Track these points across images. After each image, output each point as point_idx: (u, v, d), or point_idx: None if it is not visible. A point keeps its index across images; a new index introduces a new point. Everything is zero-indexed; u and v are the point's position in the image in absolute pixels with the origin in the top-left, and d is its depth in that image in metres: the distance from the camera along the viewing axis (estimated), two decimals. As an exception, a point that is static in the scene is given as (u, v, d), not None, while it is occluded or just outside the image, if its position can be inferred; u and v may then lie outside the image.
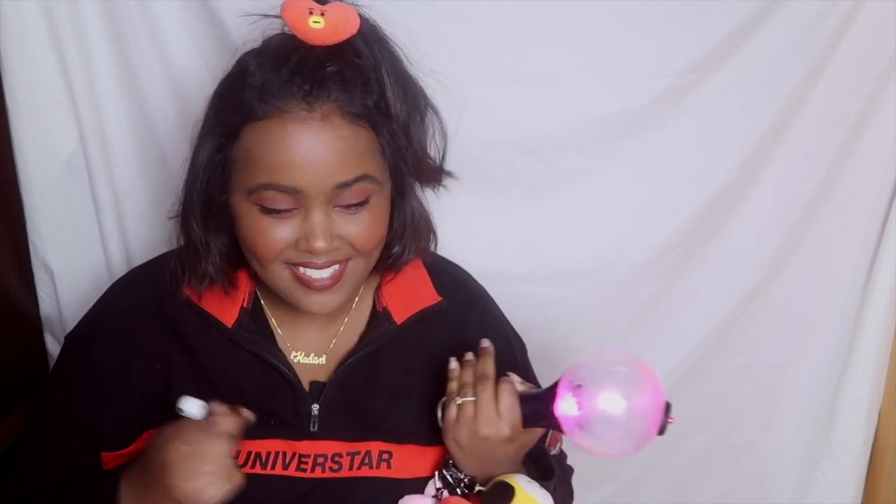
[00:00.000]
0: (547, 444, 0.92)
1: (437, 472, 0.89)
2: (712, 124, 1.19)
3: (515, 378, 0.87)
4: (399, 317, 0.92)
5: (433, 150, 0.87)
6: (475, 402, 0.84)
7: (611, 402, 0.79)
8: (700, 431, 1.38)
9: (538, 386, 0.90)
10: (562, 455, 1.04)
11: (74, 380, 0.90)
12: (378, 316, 0.92)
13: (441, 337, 0.95)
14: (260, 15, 0.82)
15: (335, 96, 0.77)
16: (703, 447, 1.39)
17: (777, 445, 1.40)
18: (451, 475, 0.88)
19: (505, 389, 0.84)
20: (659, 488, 1.41)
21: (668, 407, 0.80)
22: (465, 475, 0.88)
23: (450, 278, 1.00)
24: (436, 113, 0.86)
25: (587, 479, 1.06)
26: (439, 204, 1.03)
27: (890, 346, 1.32)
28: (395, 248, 0.90)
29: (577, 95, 1.15)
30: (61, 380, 0.93)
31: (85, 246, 1.24)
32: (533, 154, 1.18)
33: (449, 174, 0.91)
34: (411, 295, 0.94)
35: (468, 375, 0.86)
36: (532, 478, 0.87)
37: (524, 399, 0.85)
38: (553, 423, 0.83)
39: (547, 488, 0.87)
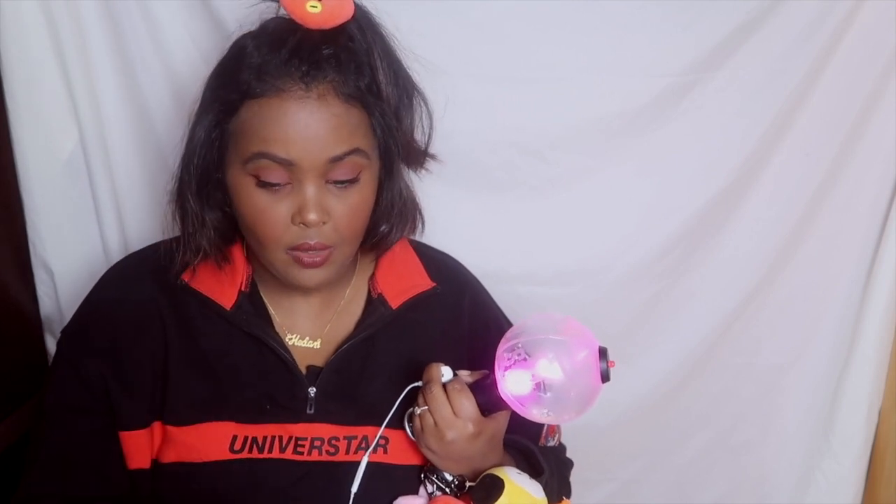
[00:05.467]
0: (545, 435, 0.92)
1: (424, 478, 0.89)
2: (712, 124, 1.19)
3: (463, 372, 0.87)
4: (394, 302, 0.94)
5: (420, 134, 0.90)
6: (429, 409, 0.84)
7: (545, 369, 0.78)
8: (700, 431, 1.38)
9: None
10: (561, 447, 1.04)
11: (77, 370, 0.89)
12: (373, 302, 0.94)
13: (435, 323, 0.96)
14: (258, 0, 0.84)
15: (330, 77, 0.80)
16: (703, 447, 1.39)
17: (777, 445, 1.40)
18: (437, 479, 0.88)
19: (454, 389, 0.84)
20: (659, 488, 1.41)
21: (603, 352, 0.79)
22: (453, 477, 0.88)
23: (443, 266, 1.02)
24: (423, 97, 0.90)
25: (587, 478, 1.06)
26: (440, 203, 1.04)
27: (890, 346, 1.32)
28: (383, 227, 0.92)
29: (577, 95, 1.16)
30: (60, 376, 0.91)
31: (85, 246, 1.24)
32: (533, 154, 1.18)
33: (433, 157, 0.94)
34: (405, 281, 0.96)
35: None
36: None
37: (477, 389, 0.84)
38: (507, 406, 0.82)
39: (539, 482, 0.87)
